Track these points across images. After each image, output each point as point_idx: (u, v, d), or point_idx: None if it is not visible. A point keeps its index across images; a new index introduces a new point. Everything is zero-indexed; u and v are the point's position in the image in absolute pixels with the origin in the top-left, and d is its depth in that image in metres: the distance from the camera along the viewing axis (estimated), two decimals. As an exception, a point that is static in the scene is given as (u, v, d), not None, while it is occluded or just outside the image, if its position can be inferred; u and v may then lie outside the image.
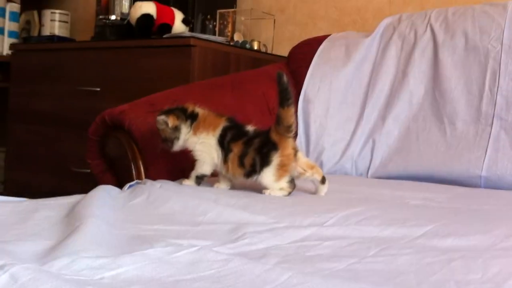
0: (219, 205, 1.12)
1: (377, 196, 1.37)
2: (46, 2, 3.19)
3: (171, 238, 0.88)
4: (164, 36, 2.27)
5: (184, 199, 1.16)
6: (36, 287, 0.61)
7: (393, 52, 1.95)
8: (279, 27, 2.61)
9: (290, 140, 1.30)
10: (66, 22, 2.99)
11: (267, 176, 1.30)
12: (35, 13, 3.09)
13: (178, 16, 2.38)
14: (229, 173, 1.34)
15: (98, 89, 2.33)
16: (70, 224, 0.93)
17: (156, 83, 2.07)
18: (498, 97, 1.70)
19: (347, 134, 1.89)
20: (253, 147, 1.31)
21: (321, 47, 2.11)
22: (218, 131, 1.35)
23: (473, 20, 1.83)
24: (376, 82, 1.93)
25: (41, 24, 2.97)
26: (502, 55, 1.73)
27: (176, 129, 1.35)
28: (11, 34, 3.01)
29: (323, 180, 1.34)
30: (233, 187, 1.38)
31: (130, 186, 1.32)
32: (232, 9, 2.60)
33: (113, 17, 2.57)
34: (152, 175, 1.46)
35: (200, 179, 1.38)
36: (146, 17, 2.31)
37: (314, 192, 1.35)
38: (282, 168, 1.29)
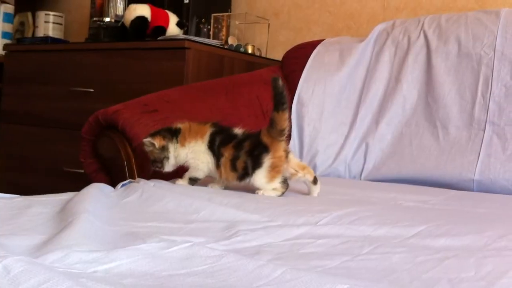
0: (212, 204, 1.12)
1: (370, 198, 1.37)
2: (40, 4, 3.19)
3: (164, 235, 0.88)
4: (159, 38, 2.27)
5: (177, 197, 1.16)
6: (29, 278, 0.61)
7: (386, 57, 1.96)
8: (273, 31, 2.62)
9: (282, 143, 1.31)
10: (60, 24, 2.99)
11: (259, 178, 1.30)
12: (29, 14, 3.08)
13: (173, 19, 2.38)
14: (223, 177, 1.34)
15: (92, 90, 2.33)
16: (63, 219, 0.93)
17: (150, 85, 2.06)
18: (490, 102, 1.72)
19: (340, 138, 1.90)
20: (244, 150, 1.31)
21: (315, 51, 2.12)
22: (206, 137, 1.35)
23: (466, 27, 1.85)
24: (370, 87, 1.94)
25: (35, 26, 2.97)
26: (495, 61, 1.75)
27: (164, 149, 1.35)
28: (5, 35, 3.00)
29: (315, 181, 1.34)
30: (227, 187, 1.38)
31: (123, 185, 1.31)
32: (227, 13, 2.61)
33: (107, 19, 2.57)
34: (145, 175, 1.46)
35: (193, 181, 1.38)
36: (141, 19, 2.31)
37: (307, 193, 1.36)
38: (274, 169, 1.29)
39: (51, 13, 2.95)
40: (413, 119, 1.83)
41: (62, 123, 2.43)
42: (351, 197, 1.38)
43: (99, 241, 0.82)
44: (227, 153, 1.32)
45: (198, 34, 2.49)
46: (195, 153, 1.35)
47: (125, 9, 2.47)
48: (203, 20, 2.53)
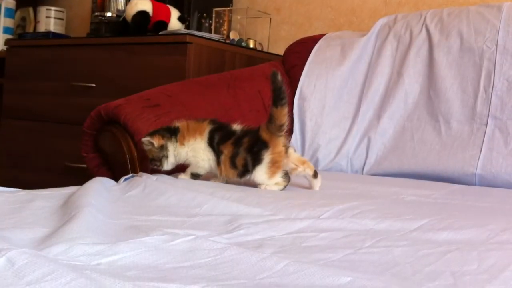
0: (215, 198, 1.12)
1: (372, 192, 1.37)
2: (42, -1, 3.19)
3: (167, 228, 0.88)
4: (160, 33, 2.27)
5: (180, 191, 1.16)
6: (33, 270, 0.61)
7: (388, 51, 1.96)
8: (275, 26, 2.61)
9: (281, 138, 1.30)
10: (62, 19, 2.98)
11: (260, 174, 1.30)
12: (31, 9, 3.08)
13: (174, 13, 2.38)
14: (223, 175, 1.34)
15: (94, 85, 2.33)
16: (66, 213, 0.93)
17: (151, 80, 2.06)
18: (492, 97, 1.71)
19: (342, 132, 1.90)
20: (244, 147, 1.31)
21: (317, 46, 2.11)
22: (205, 135, 1.35)
23: (468, 21, 1.84)
24: (372, 81, 1.93)
25: (36, 21, 2.97)
26: (497, 55, 1.75)
27: (163, 148, 1.35)
28: (6, 30, 3.00)
29: (315, 175, 1.34)
30: (229, 182, 1.38)
31: (125, 179, 1.31)
32: (228, 8, 2.60)
33: (108, 14, 2.57)
34: (147, 170, 1.46)
35: (195, 176, 1.38)
36: (142, 14, 2.30)
37: (309, 188, 1.36)
38: (274, 165, 1.29)
39: (53, 8, 2.95)
40: (415, 113, 1.83)
41: (63, 118, 2.43)
42: (353, 191, 1.38)
43: (102, 234, 0.82)
44: (227, 151, 1.32)
45: (199, 28, 2.49)
46: (195, 151, 1.35)
47: (126, 4, 2.47)
48: (204, 14, 2.53)
